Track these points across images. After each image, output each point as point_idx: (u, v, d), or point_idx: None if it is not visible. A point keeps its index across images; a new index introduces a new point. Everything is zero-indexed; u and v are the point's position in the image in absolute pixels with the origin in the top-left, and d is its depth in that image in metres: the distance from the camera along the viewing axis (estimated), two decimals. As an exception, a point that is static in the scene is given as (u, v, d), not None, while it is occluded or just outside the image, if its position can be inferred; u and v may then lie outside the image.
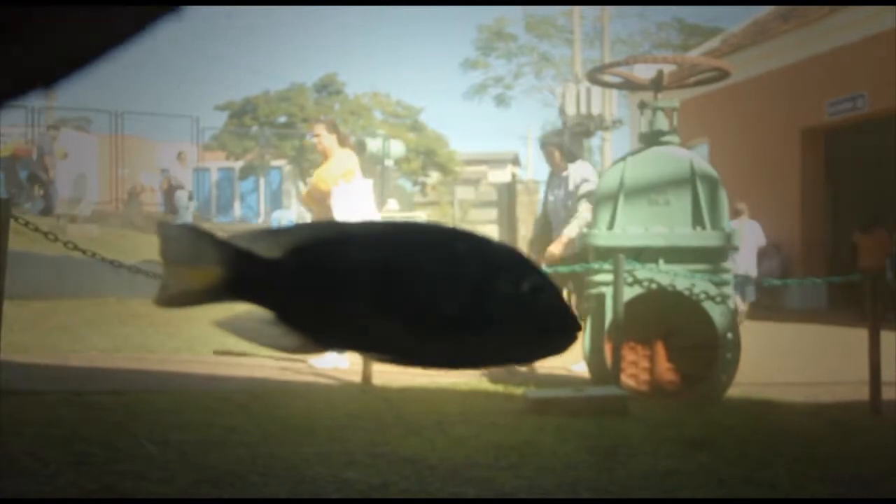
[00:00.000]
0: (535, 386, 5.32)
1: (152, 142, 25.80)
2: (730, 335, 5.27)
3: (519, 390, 5.13)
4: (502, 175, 29.64)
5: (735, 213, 10.49)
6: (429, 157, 27.22)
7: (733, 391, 5.32)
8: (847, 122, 14.85)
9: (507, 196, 17.69)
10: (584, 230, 5.94)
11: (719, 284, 5.33)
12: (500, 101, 35.09)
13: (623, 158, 5.77)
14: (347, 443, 3.70)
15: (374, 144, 16.43)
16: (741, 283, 10.07)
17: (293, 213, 20.52)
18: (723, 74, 5.92)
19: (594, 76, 6.23)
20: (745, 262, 11.23)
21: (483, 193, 26.29)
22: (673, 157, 5.58)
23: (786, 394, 5.67)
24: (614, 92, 18.50)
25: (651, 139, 5.66)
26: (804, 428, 4.71)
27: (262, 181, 25.78)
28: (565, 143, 6.67)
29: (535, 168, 41.50)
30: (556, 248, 6.33)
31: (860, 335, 5.42)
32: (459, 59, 50.72)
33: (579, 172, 6.56)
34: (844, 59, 14.26)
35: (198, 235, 1.02)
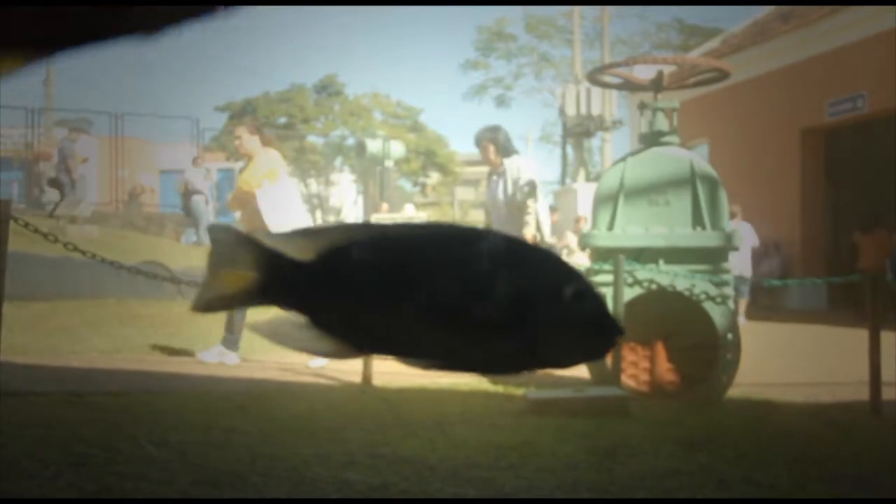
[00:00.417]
0: (535, 386, 5.31)
1: (152, 143, 25.85)
2: (730, 336, 5.27)
3: (519, 391, 5.12)
4: (502, 175, 29.56)
5: (730, 216, 10.47)
6: (429, 157, 27.25)
7: (733, 391, 5.32)
8: (847, 122, 14.85)
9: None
10: (539, 231, 5.98)
11: (719, 285, 5.33)
12: (500, 101, 35.04)
13: (623, 159, 5.77)
14: (347, 443, 3.69)
15: (373, 145, 16.42)
16: (737, 283, 10.07)
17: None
18: (723, 75, 5.91)
19: (594, 77, 6.23)
20: (740, 262, 11.23)
21: (483, 194, 26.24)
22: (673, 158, 5.58)
23: (786, 394, 5.67)
24: (614, 93, 18.53)
25: (651, 140, 5.66)
26: (804, 428, 4.70)
27: (261, 182, 25.73)
28: (500, 138, 6.52)
29: (535, 168, 41.44)
30: None
31: (860, 335, 5.41)
32: (459, 59, 50.85)
33: (515, 166, 6.45)
34: (844, 59, 14.25)
35: (237, 238, 1.01)
